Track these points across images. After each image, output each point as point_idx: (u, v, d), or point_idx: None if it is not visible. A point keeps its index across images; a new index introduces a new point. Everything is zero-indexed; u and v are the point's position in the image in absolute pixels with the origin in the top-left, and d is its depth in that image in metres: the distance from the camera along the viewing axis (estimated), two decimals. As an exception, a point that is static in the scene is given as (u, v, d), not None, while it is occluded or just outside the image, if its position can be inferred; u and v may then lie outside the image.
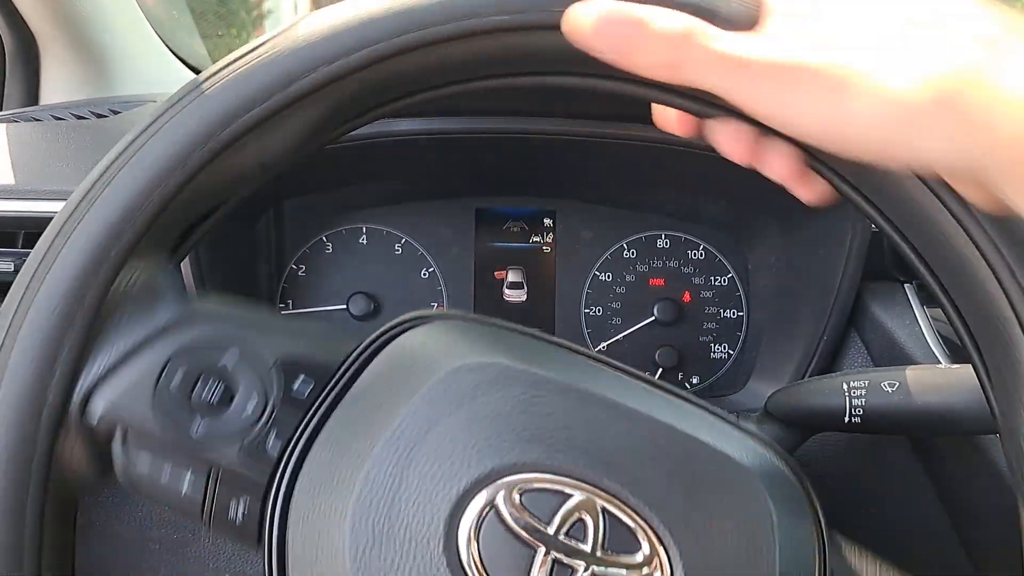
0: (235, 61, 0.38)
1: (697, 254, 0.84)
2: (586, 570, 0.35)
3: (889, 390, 0.55)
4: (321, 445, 0.38)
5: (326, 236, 0.84)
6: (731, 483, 0.38)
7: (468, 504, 0.36)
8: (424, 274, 0.84)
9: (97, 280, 0.37)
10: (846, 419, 0.56)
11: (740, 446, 0.40)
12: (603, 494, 0.36)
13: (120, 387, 0.38)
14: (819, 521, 0.41)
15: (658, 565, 0.36)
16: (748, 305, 0.84)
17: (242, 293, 0.76)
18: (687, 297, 0.84)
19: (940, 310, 0.70)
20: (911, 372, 0.55)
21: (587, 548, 0.36)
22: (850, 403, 0.55)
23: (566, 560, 0.35)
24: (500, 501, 0.36)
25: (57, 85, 0.95)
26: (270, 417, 0.38)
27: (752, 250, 0.83)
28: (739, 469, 0.39)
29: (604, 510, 0.36)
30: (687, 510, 0.37)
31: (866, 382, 0.56)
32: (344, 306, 0.83)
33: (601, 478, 0.37)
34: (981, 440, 0.62)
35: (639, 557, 0.36)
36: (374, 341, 0.41)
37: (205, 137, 0.38)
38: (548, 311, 0.85)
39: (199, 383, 0.39)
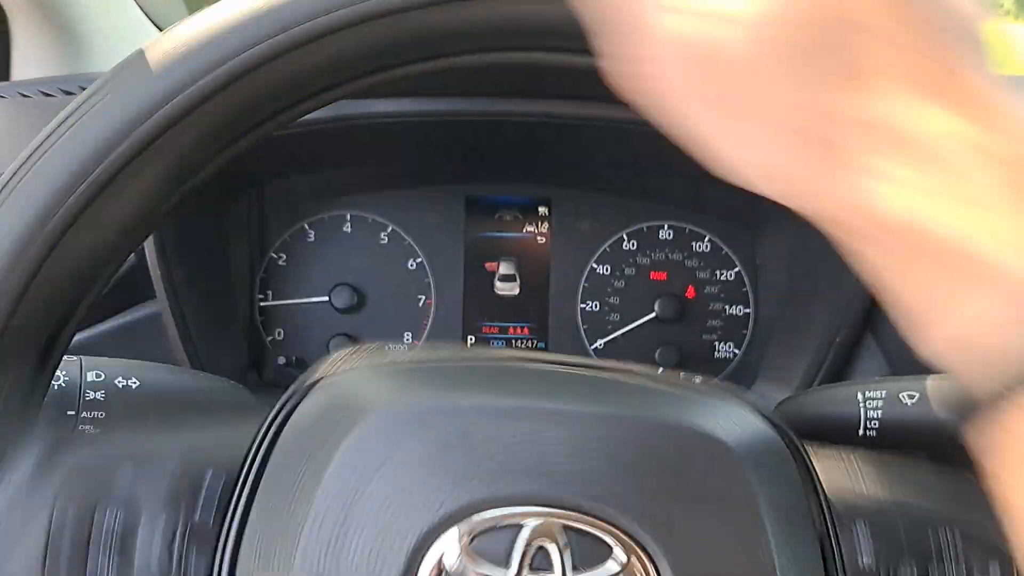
0: (66, 119, 0.34)
1: (702, 246, 0.79)
2: None
3: (908, 402, 0.50)
4: (245, 559, 0.34)
5: (308, 223, 0.79)
6: (702, 458, 0.34)
7: (417, 569, 0.32)
8: (411, 265, 0.79)
9: None
10: (860, 432, 0.51)
11: (709, 415, 0.36)
12: (557, 511, 0.33)
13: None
14: (814, 480, 0.37)
15: (639, 568, 0.32)
16: (756, 302, 0.79)
17: (216, 284, 0.72)
18: (690, 292, 0.79)
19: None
20: (934, 382, 0.50)
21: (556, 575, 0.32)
22: (865, 415, 0.50)
23: None
24: (450, 560, 0.32)
25: (29, 60, 0.90)
26: (184, 542, 0.34)
27: (761, 242, 0.77)
28: (709, 441, 0.34)
29: (564, 528, 0.32)
30: (655, 500, 0.33)
31: (883, 392, 0.51)
32: (326, 298, 0.78)
33: (550, 495, 0.33)
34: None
35: (614, 566, 0.32)
36: (278, 413, 0.37)
37: (43, 215, 0.33)
38: (542, 306, 0.80)
39: (91, 535, 0.34)
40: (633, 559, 0.33)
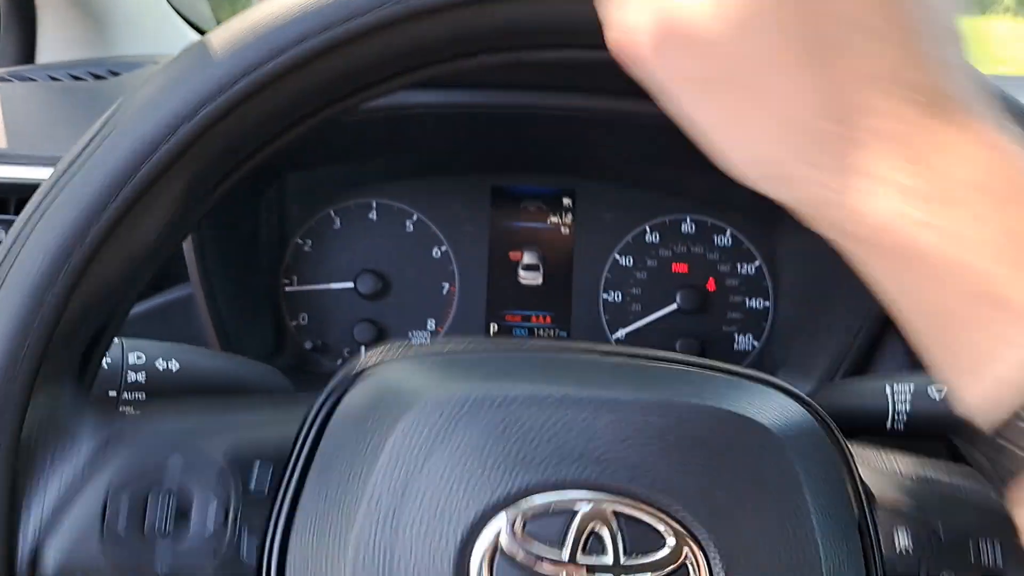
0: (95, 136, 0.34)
1: (723, 239, 0.80)
2: None
3: (937, 396, 0.51)
4: (299, 533, 0.35)
5: (334, 210, 0.80)
6: (748, 445, 0.35)
7: (470, 554, 0.33)
8: (436, 253, 0.80)
9: None
10: (888, 424, 0.52)
11: (753, 401, 0.36)
12: (609, 497, 0.34)
13: (65, 540, 0.35)
14: (851, 466, 0.37)
15: (690, 554, 0.33)
16: (776, 295, 0.80)
17: (245, 269, 0.72)
18: (711, 285, 0.80)
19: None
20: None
21: (608, 560, 0.33)
22: (894, 408, 0.51)
23: None
24: (504, 540, 0.33)
25: (55, 43, 0.91)
26: (236, 521, 0.35)
27: (782, 236, 0.78)
28: (754, 428, 0.35)
29: (616, 514, 0.33)
30: (705, 486, 0.34)
31: (911, 386, 0.52)
32: (352, 284, 0.79)
33: (603, 480, 0.34)
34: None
35: (665, 551, 0.33)
36: (324, 402, 0.38)
37: (84, 226, 0.33)
38: (564, 295, 0.81)
39: (148, 509, 0.35)
40: (683, 545, 0.33)
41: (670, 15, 0.27)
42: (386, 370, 0.38)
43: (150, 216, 0.35)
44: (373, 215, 0.80)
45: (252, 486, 0.36)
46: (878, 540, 0.37)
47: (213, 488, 0.35)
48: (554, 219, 0.81)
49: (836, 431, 0.39)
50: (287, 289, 0.79)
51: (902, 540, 0.36)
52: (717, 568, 0.33)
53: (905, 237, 0.25)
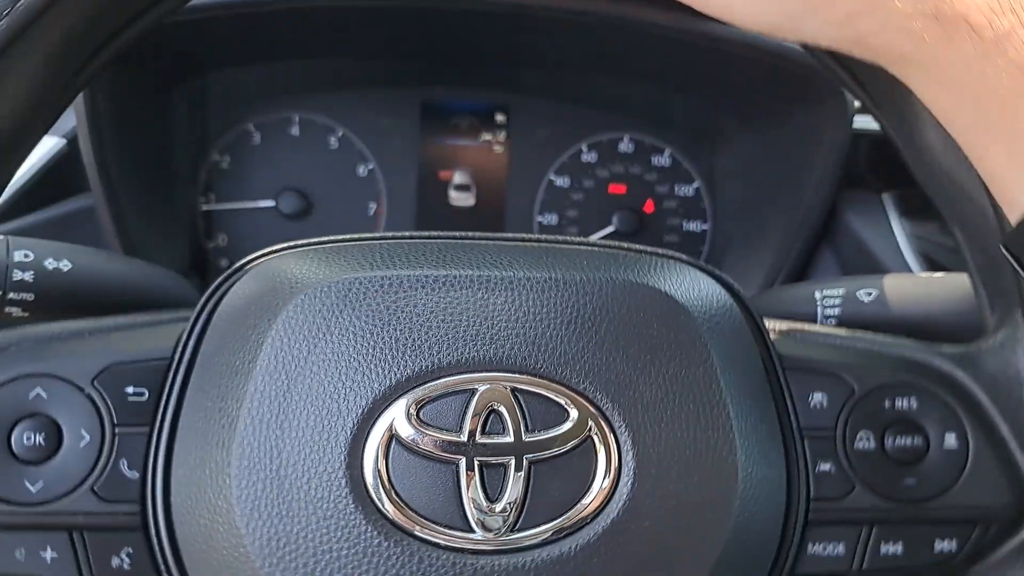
0: None
1: (662, 160, 0.78)
2: (519, 461, 0.31)
3: (866, 299, 0.50)
4: (181, 448, 0.33)
5: (254, 124, 0.75)
6: (651, 313, 0.33)
7: (364, 445, 0.31)
8: (362, 171, 0.76)
9: None
10: (817, 330, 0.50)
11: (657, 272, 0.35)
12: (507, 375, 0.32)
13: None
14: (762, 331, 0.36)
15: (594, 426, 0.32)
16: (714, 217, 0.78)
17: (154, 180, 0.68)
18: (649, 207, 0.78)
19: (918, 223, 0.64)
20: (890, 280, 0.50)
21: (510, 439, 0.31)
22: (822, 313, 0.50)
23: (493, 460, 0.31)
24: (399, 428, 0.31)
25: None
26: (112, 441, 0.33)
27: (720, 154, 0.76)
28: (658, 296, 0.34)
29: (515, 391, 0.31)
30: (607, 357, 0.32)
31: (841, 291, 0.50)
32: (273, 203, 0.75)
33: (499, 358, 0.32)
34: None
35: (568, 425, 0.31)
36: (205, 303, 0.35)
37: None
38: (497, 217, 0.78)
39: (14, 438, 0.33)
40: (587, 418, 0.32)
41: None
42: (268, 264, 0.35)
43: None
44: (295, 130, 0.76)
45: (128, 403, 0.33)
46: (792, 400, 0.35)
47: (83, 413, 0.33)
48: (487, 136, 0.77)
49: (744, 298, 0.37)
50: (204, 208, 0.75)
51: (816, 398, 0.35)
52: (624, 437, 0.32)
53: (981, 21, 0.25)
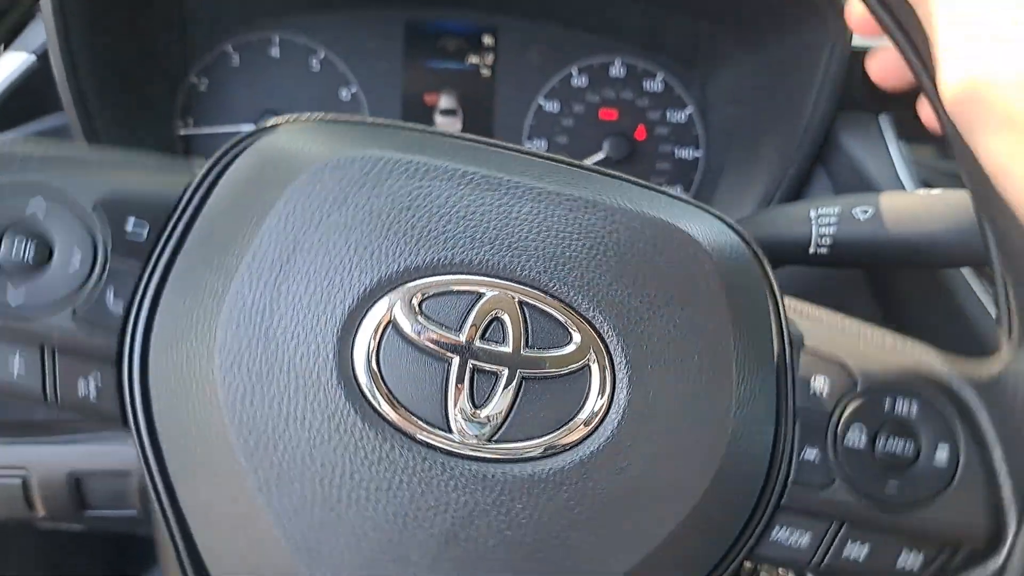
0: None
1: (654, 85, 0.76)
2: (512, 374, 0.30)
3: (861, 218, 0.48)
4: (172, 290, 0.31)
5: (233, 46, 0.73)
6: (675, 255, 0.32)
7: (359, 323, 0.30)
8: (345, 95, 0.74)
9: None
10: (811, 250, 0.49)
11: (686, 217, 0.33)
12: (517, 286, 0.31)
13: None
14: (779, 304, 0.35)
15: (594, 355, 0.31)
16: (707, 144, 0.76)
17: (130, 102, 0.65)
18: (641, 133, 0.76)
19: (916, 146, 0.63)
20: (887, 198, 0.48)
21: (508, 349, 0.30)
22: (817, 231, 0.49)
23: (486, 367, 0.30)
24: (397, 313, 0.30)
25: None
26: (103, 269, 0.32)
27: (713, 79, 0.74)
28: (684, 239, 0.32)
29: (522, 304, 0.30)
30: (622, 290, 0.31)
31: (836, 209, 0.49)
32: (253, 127, 0.72)
33: (511, 268, 0.31)
34: (947, 283, 0.56)
35: (570, 347, 0.30)
36: (219, 159, 0.33)
37: None
38: (486, 143, 0.76)
39: (3, 242, 0.31)
40: (589, 346, 0.31)
41: None
42: (286, 132, 0.34)
43: None
44: (275, 52, 0.73)
45: (127, 236, 0.32)
46: (794, 380, 0.34)
47: (79, 233, 0.32)
48: (474, 59, 0.75)
49: (767, 267, 0.36)
50: (182, 132, 0.72)
51: (818, 384, 0.34)
52: (621, 375, 0.31)
53: None
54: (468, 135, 0.35)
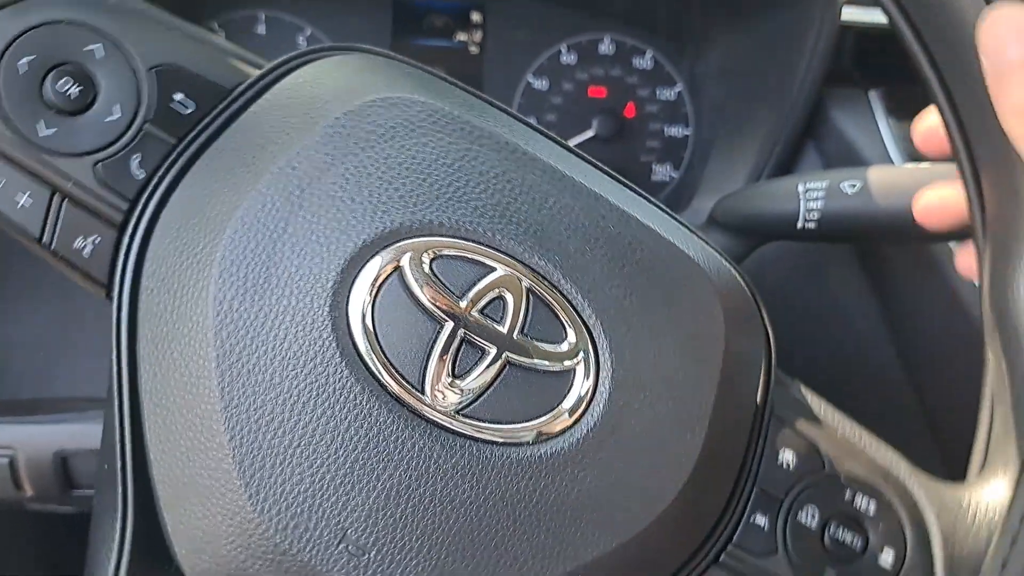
0: None
1: (643, 62, 0.75)
2: (498, 355, 0.30)
3: (849, 192, 0.48)
4: (195, 175, 0.31)
5: (218, 24, 0.72)
6: (678, 279, 0.32)
7: (367, 261, 0.29)
8: (333, 73, 0.73)
9: None
10: (799, 225, 0.49)
11: (691, 244, 0.34)
12: (530, 272, 0.30)
13: None
14: (768, 339, 0.35)
15: (582, 358, 0.30)
16: (696, 122, 0.76)
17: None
18: (630, 111, 0.76)
19: (906, 122, 0.63)
20: (875, 172, 0.48)
21: (503, 329, 0.30)
22: (805, 206, 0.49)
23: (477, 340, 0.30)
24: (406, 263, 0.29)
25: None
26: (138, 132, 0.31)
27: (704, 54, 0.74)
28: (689, 265, 0.33)
29: (529, 291, 0.30)
30: (625, 301, 0.31)
31: (824, 183, 0.49)
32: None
33: (531, 254, 0.30)
34: (936, 257, 0.56)
35: (564, 347, 0.30)
36: (279, 65, 0.33)
37: None
38: (474, 121, 0.75)
39: (51, 76, 0.31)
40: (581, 350, 0.30)
41: None
42: (350, 58, 0.34)
43: None
44: (261, 29, 0.72)
45: (171, 108, 0.32)
46: (763, 444, 0.34)
47: (127, 89, 0.32)
48: (462, 36, 0.74)
49: (766, 321, 0.36)
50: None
51: (786, 456, 0.34)
52: (603, 388, 0.30)
53: None
54: (520, 115, 0.35)
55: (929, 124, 0.42)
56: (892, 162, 0.60)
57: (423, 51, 0.74)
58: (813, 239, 0.50)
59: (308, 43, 0.73)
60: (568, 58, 0.75)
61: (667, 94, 0.76)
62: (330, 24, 0.72)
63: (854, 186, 0.48)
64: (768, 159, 0.64)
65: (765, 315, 0.35)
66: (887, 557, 0.33)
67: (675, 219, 0.35)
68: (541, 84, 0.75)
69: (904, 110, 0.62)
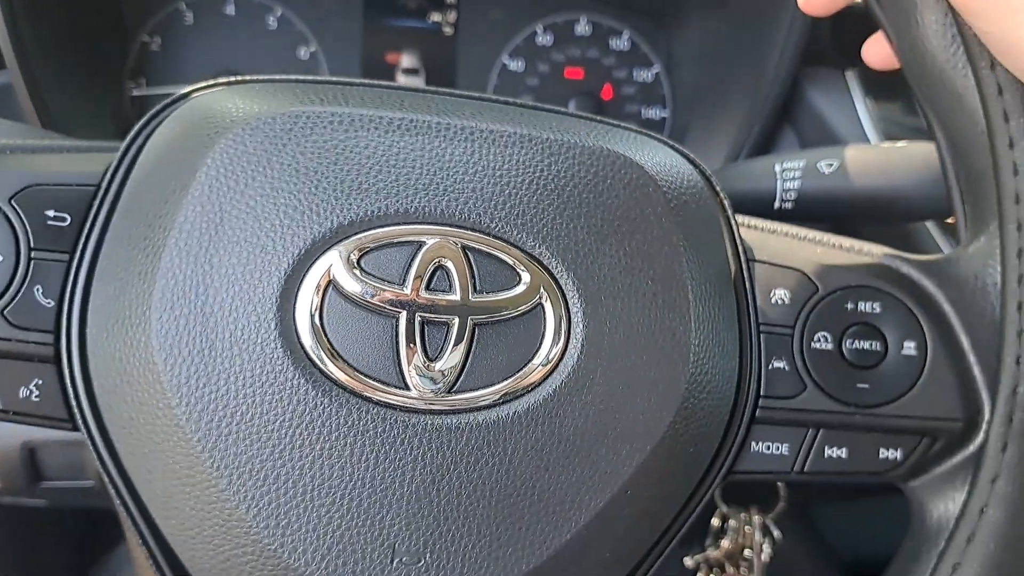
0: None
1: (620, 43, 0.75)
2: (463, 322, 0.29)
3: (827, 171, 0.48)
4: (102, 276, 0.30)
5: (185, 3, 0.70)
6: (620, 183, 0.31)
7: (298, 288, 0.28)
8: (303, 54, 0.72)
9: None
10: (776, 204, 0.49)
11: (630, 144, 0.33)
12: (458, 231, 0.30)
13: None
14: (730, 220, 0.35)
15: (545, 291, 0.30)
16: (674, 103, 0.75)
17: (78, 59, 0.63)
18: (607, 93, 0.75)
19: (883, 102, 0.63)
20: (852, 151, 0.48)
21: (456, 297, 0.29)
22: (782, 186, 0.48)
23: (436, 318, 0.29)
24: (336, 273, 0.29)
25: None
26: (28, 264, 0.30)
27: (680, 35, 0.73)
28: (629, 166, 0.31)
29: (465, 248, 0.29)
30: (567, 223, 0.30)
31: (801, 162, 0.49)
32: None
33: (452, 212, 0.29)
34: (914, 237, 0.56)
35: (520, 288, 0.30)
36: (137, 135, 0.32)
37: None
38: (449, 104, 0.74)
39: None
40: (540, 284, 0.30)
41: None
42: (210, 95, 0.32)
43: None
44: (230, 9, 0.70)
45: (48, 228, 0.30)
46: (753, 292, 0.34)
47: None
48: (436, 17, 0.73)
49: (716, 184, 0.35)
50: (134, 93, 0.70)
51: (779, 295, 0.34)
52: (576, 307, 0.30)
53: None
54: (394, 83, 0.34)
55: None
56: (869, 141, 0.59)
57: (395, 32, 0.73)
58: (791, 219, 0.49)
59: (278, 24, 0.71)
60: (544, 39, 0.74)
61: (644, 75, 0.75)
62: (300, 4, 0.71)
63: (831, 165, 0.48)
64: (746, 138, 0.64)
65: (712, 178, 0.35)
66: (909, 347, 0.33)
67: (602, 122, 0.34)
68: (517, 65, 0.74)
69: (881, 89, 0.62)
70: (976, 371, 0.33)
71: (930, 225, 0.54)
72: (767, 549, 0.52)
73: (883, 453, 0.34)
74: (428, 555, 0.29)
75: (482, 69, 0.74)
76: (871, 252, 0.35)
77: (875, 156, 0.48)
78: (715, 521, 0.55)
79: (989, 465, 0.32)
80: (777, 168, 0.49)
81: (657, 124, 0.75)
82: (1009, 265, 0.31)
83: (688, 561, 0.49)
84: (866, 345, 0.33)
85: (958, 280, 0.34)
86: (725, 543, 0.52)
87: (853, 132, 0.59)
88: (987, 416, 0.33)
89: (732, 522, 0.56)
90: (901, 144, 0.47)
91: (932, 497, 0.34)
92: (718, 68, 0.69)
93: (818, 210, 0.49)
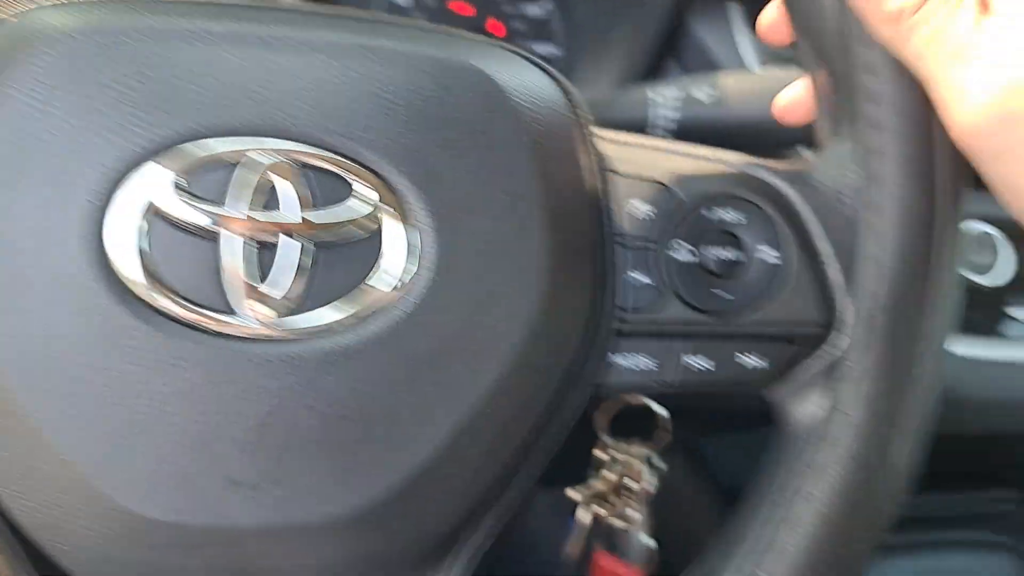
0: None
1: (509, -24, 0.72)
2: (299, 243, 0.27)
3: (705, 100, 0.48)
4: None
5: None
6: (466, 93, 0.30)
7: (108, 208, 0.26)
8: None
9: None
10: (648, 132, 0.48)
11: (475, 53, 0.31)
12: (288, 143, 0.28)
13: None
14: (584, 133, 0.33)
15: (391, 208, 0.28)
16: (566, 40, 0.74)
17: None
18: (498, 29, 0.73)
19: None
20: (729, 79, 0.48)
21: (290, 216, 0.27)
22: (654, 112, 0.48)
23: (269, 239, 0.27)
24: (153, 194, 0.26)
25: None
26: None
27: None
28: (474, 76, 0.30)
29: (296, 163, 0.28)
30: (409, 136, 0.29)
31: (676, 91, 0.48)
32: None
33: (278, 124, 0.28)
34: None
35: (358, 205, 0.28)
36: None
37: None
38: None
39: None
40: (382, 200, 0.28)
41: None
42: (29, 15, 0.30)
43: None
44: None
45: None
46: (608, 205, 0.33)
47: None
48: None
49: (573, 96, 0.34)
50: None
51: (636, 205, 0.33)
52: (422, 225, 0.28)
53: None
54: (237, 1, 0.31)
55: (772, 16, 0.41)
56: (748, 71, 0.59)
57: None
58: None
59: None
60: (429, -29, 0.71)
61: (535, 11, 0.73)
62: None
63: (707, 93, 0.47)
64: (630, 74, 0.63)
65: (569, 89, 0.34)
66: (770, 256, 0.33)
67: (446, 32, 0.33)
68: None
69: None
70: (838, 275, 0.33)
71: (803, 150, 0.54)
72: (651, 479, 0.53)
73: (749, 362, 0.34)
74: (270, 484, 0.27)
75: (362, 2, 0.70)
76: (731, 161, 0.35)
77: (751, 83, 0.47)
78: (600, 454, 0.55)
79: (853, 368, 0.32)
80: (650, 95, 0.48)
81: (549, 62, 0.74)
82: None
83: (571, 492, 0.48)
84: (728, 255, 0.33)
85: (817, 186, 0.33)
86: (609, 474, 0.52)
87: (735, 63, 0.59)
88: (851, 320, 0.33)
89: (620, 456, 0.56)
90: (779, 71, 0.47)
91: (798, 403, 0.34)
92: (606, 2, 0.68)
93: (698, 139, 0.48)
